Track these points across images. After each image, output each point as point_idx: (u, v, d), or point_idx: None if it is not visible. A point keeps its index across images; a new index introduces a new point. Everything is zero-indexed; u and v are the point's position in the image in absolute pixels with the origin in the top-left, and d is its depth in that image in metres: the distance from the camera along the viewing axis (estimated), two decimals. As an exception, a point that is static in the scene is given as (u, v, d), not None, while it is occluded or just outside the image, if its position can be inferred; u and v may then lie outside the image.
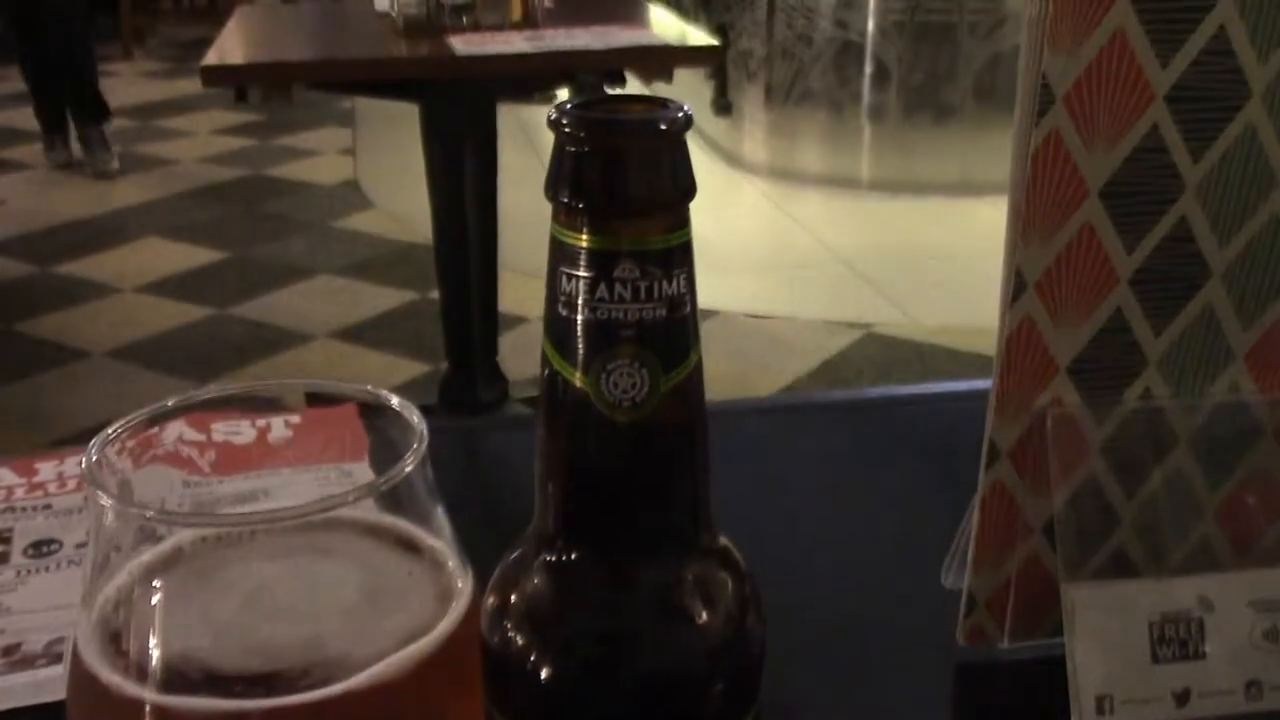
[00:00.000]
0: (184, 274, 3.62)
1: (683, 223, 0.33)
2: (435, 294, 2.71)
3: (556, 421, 0.34)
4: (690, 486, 0.34)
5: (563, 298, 0.33)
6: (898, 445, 0.84)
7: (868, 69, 4.60)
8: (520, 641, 0.34)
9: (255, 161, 4.75)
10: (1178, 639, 0.56)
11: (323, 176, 4.57)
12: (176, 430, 0.81)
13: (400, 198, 3.95)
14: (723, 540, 0.36)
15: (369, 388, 0.43)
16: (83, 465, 0.37)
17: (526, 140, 3.46)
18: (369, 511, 0.40)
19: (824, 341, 3.08)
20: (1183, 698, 0.55)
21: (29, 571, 0.67)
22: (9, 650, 0.61)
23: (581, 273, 0.32)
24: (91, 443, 0.38)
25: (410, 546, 0.40)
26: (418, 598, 0.39)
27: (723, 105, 4.85)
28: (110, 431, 0.39)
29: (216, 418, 0.82)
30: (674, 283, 0.33)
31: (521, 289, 2.76)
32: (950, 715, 0.61)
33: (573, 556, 0.35)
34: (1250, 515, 0.59)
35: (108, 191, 4.31)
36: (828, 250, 3.80)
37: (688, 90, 4.03)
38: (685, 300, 0.33)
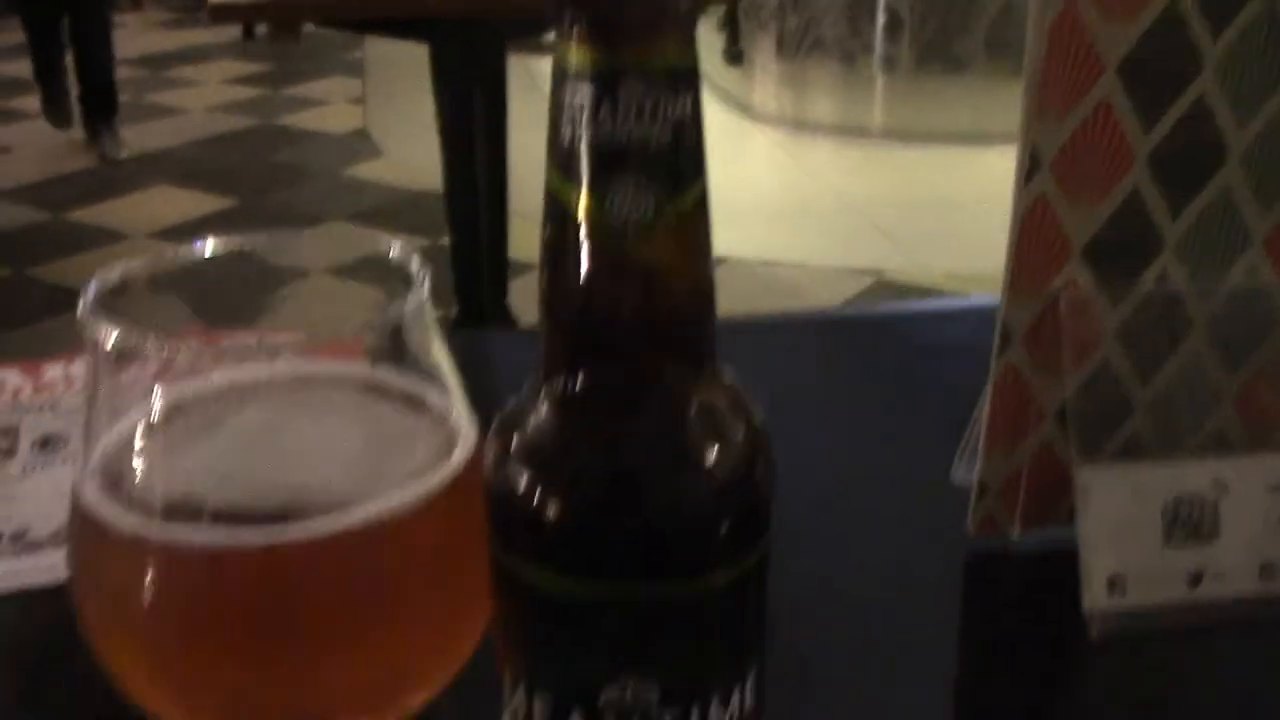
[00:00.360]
0: (194, 221, 3.61)
1: (688, 43, 0.32)
2: (445, 241, 2.70)
3: (559, 249, 0.33)
4: (695, 315, 0.34)
5: (566, 119, 0.32)
6: (908, 356, 0.84)
7: (880, 19, 4.56)
8: (523, 476, 0.34)
9: (265, 111, 4.73)
10: (1191, 521, 0.55)
11: (332, 125, 4.55)
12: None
13: (410, 146, 3.93)
14: (729, 379, 0.36)
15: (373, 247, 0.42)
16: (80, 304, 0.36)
17: (536, 90, 3.44)
18: (372, 368, 0.39)
19: (835, 288, 3.07)
20: (1195, 579, 0.55)
21: (35, 467, 0.67)
22: (16, 536, 0.61)
23: (585, 91, 0.31)
24: (90, 282, 0.37)
25: (414, 400, 0.40)
26: (422, 445, 0.39)
27: (734, 54, 4.82)
28: (111, 274, 0.38)
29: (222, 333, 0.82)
30: (680, 105, 0.32)
31: (531, 235, 2.72)
32: (961, 607, 0.60)
33: (577, 390, 0.34)
34: (1268, 402, 0.59)
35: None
36: (839, 198, 3.78)
37: (699, 40, 3.99)
38: (694, 124, 0.32)
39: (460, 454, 0.38)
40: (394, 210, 3.66)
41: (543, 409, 0.34)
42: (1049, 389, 0.57)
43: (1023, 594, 0.60)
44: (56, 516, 0.62)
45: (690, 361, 0.35)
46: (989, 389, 0.57)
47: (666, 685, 0.34)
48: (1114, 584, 0.54)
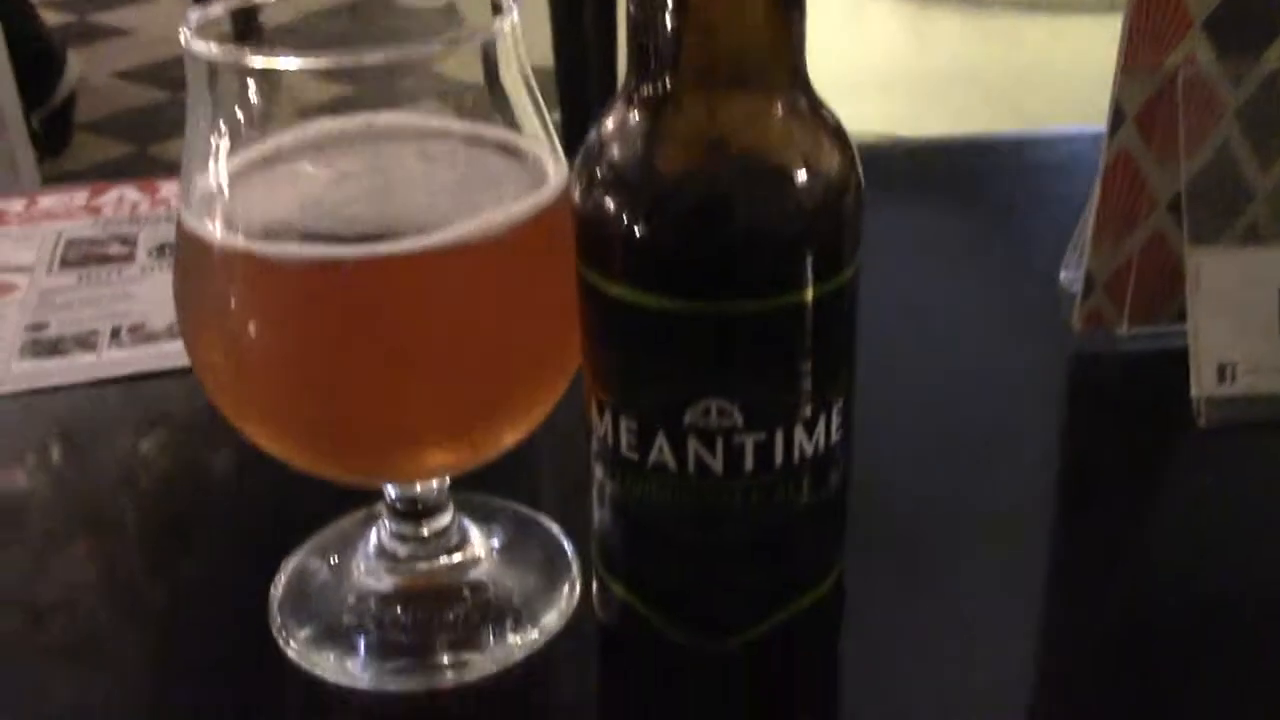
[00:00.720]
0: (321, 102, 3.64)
1: None
2: (557, 115, 2.69)
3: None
4: (783, 22, 0.33)
5: None
6: (1018, 175, 0.81)
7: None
8: (612, 190, 0.34)
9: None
10: (1308, 308, 0.53)
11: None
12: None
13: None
14: (820, 101, 0.35)
15: None
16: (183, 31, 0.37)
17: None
18: (461, 115, 0.39)
19: (952, 160, 3.00)
20: (1310, 366, 0.53)
21: (152, 269, 0.69)
22: (135, 328, 0.63)
23: None
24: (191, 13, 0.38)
25: (506, 142, 0.40)
26: (514, 180, 0.39)
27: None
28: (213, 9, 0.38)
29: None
30: None
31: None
32: (1065, 406, 0.59)
33: (663, 105, 0.33)
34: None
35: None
36: (958, 69, 3.67)
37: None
38: None
39: (550, 186, 0.38)
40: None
41: (630, 127, 0.34)
42: (1163, 175, 0.55)
43: (1129, 390, 0.59)
44: (171, 312, 0.64)
45: (779, 79, 0.34)
46: (1099, 176, 0.56)
47: (749, 408, 0.34)
48: (1224, 371, 0.53)
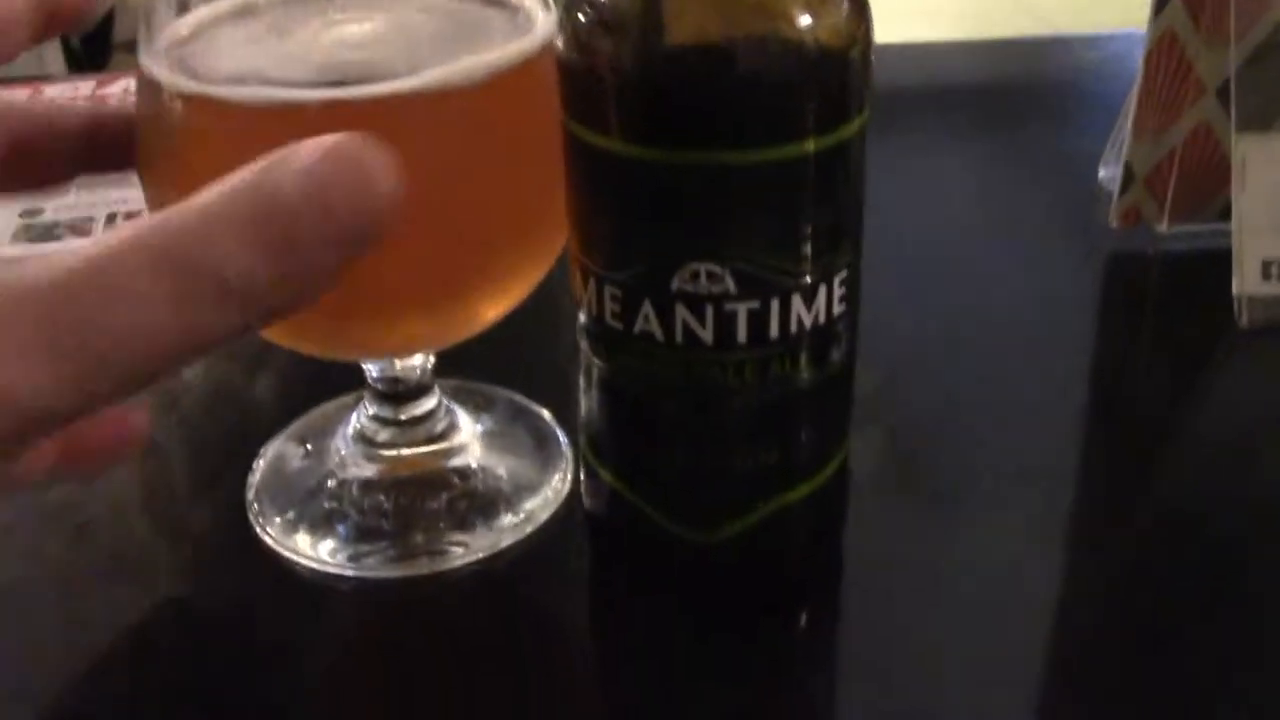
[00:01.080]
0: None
1: None
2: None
3: None
4: None
5: None
6: (1057, 75, 0.78)
7: None
8: (600, 37, 0.31)
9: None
10: (1364, 201, 0.49)
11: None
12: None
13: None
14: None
15: None
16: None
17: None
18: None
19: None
20: (1363, 264, 0.49)
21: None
22: (132, 215, 0.61)
23: None
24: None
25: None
26: (497, 30, 0.36)
27: None
28: None
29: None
30: None
31: None
32: (1102, 307, 0.56)
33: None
34: None
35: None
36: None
37: None
38: None
39: (538, 34, 0.35)
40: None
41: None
42: (1211, 58, 0.52)
43: (1169, 290, 0.55)
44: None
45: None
46: (1142, 60, 0.52)
47: (742, 272, 0.32)
48: (1269, 268, 0.50)
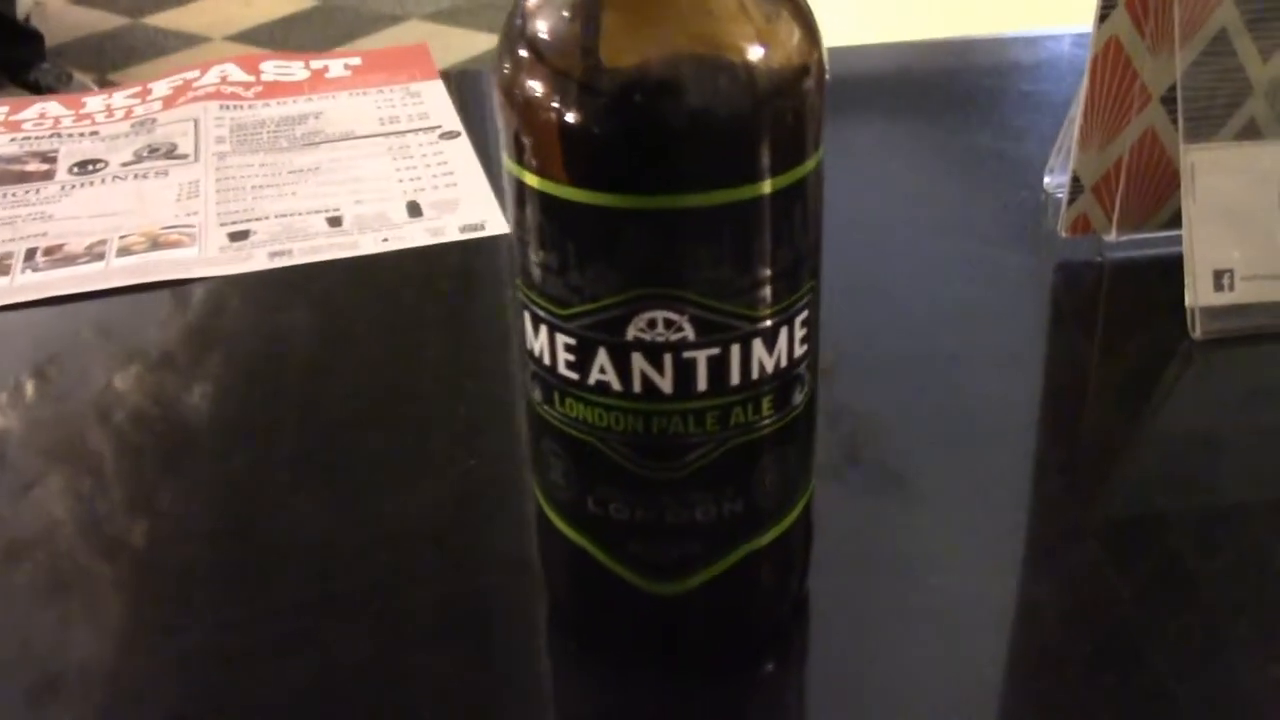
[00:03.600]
0: (273, 23, 3.56)
1: None
2: None
3: None
4: None
5: None
6: (1001, 76, 0.77)
7: None
8: (541, 81, 0.29)
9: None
10: (1312, 207, 0.49)
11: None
12: (219, 72, 0.77)
13: (488, -58, 3.81)
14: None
15: None
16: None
17: None
18: None
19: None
20: (1314, 271, 0.49)
21: (74, 186, 0.64)
22: (51, 250, 0.58)
23: None
24: None
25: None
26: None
27: None
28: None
29: (268, 57, 0.78)
30: None
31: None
32: (1051, 318, 0.55)
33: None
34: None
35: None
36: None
37: None
38: None
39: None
40: (474, 8, 3.56)
41: (554, 4, 0.30)
42: (1156, 66, 0.51)
43: (1119, 300, 0.55)
44: (92, 233, 0.60)
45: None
46: (1087, 68, 0.51)
47: (700, 319, 0.30)
48: (1221, 278, 0.49)
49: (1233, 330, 0.49)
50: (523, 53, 0.30)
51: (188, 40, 3.43)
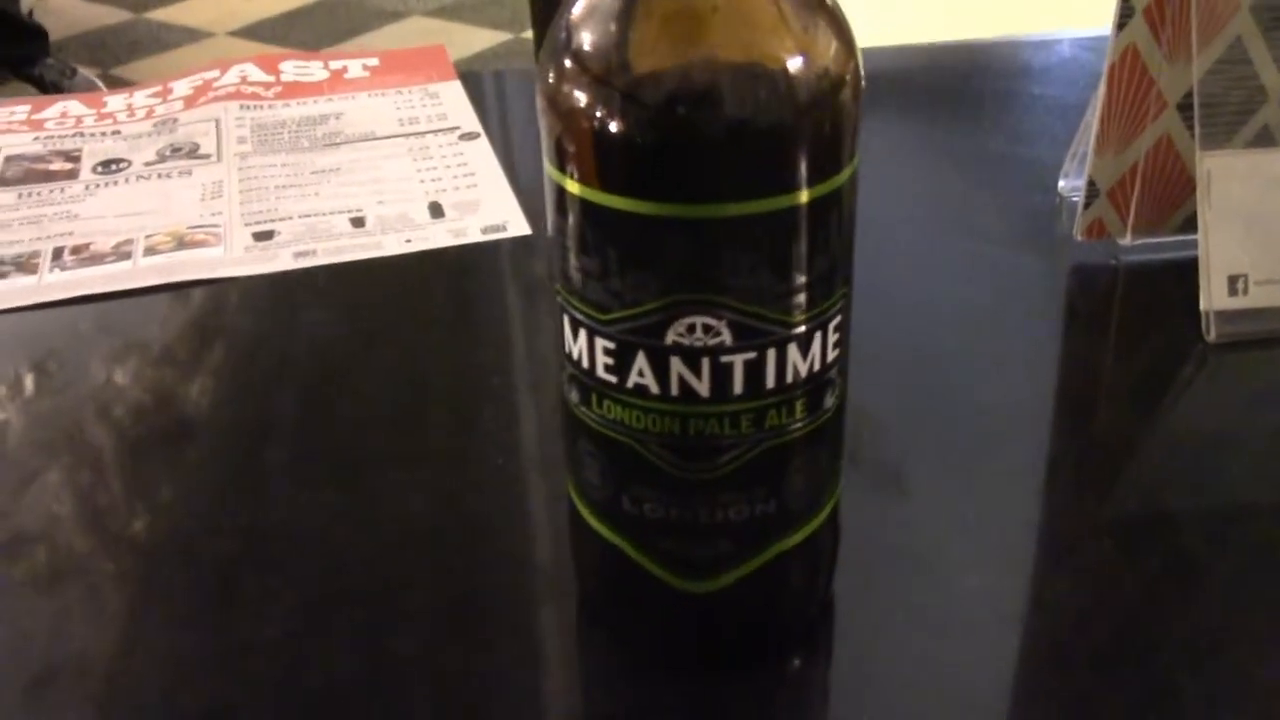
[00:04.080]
0: (276, 18, 3.56)
1: None
2: (528, 34, 2.63)
3: None
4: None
5: None
6: (1018, 79, 0.78)
7: None
8: (584, 91, 0.30)
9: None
10: (1326, 213, 0.50)
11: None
12: (239, 72, 0.78)
13: (491, -62, 3.81)
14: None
15: None
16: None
17: None
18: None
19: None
20: (1327, 277, 0.50)
21: (98, 185, 0.65)
22: (78, 249, 0.59)
23: None
24: None
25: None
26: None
27: None
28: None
29: (286, 57, 0.79)
30: None
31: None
32: (1066, 322, 0.56)
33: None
34: None
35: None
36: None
37: None
38: None
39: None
40: (477, 4, 3.57)
41: (602, 9, 0.30)
42: (1172, 73, 0.52)
43: (1134, 304, 0.56)
44: (118, 231, 0.60)
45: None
46: (1104, 74, 0.52)
47: (738, 324, 0.31)
48: (1235, 282, 0.50)
49: (1246, 334, 0.50)
50: (567, 63, 0.31)
51: (190, 35, 3.43)
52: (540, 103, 0.32)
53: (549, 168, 0.32)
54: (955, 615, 0.39)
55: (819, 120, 0.30)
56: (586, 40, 0.31)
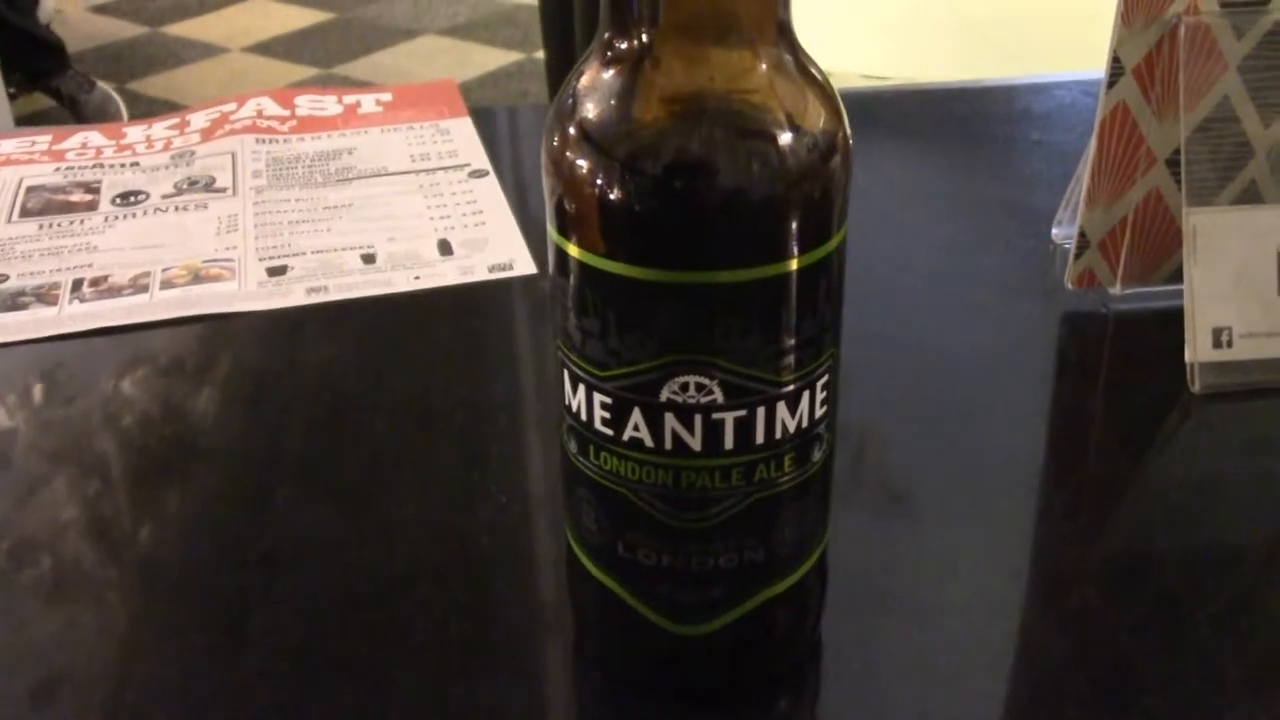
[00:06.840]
0: (290, 35, 3.59)
1: None
2: (540, 54, 2.65)
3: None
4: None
5: None
6: (1011, 124, 0.79)
7: None
8: (584, 143, 0.32)
9: (360, -76, 4.64)
10: (1309, 271, 0.51)
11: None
12: (255, 106, 0.80)
13: (505, -42, 3.84)
14: (811, 64, 0.33)
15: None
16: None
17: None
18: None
19: (941, 102, 2.96)
20: (1309, 331, 0.51)
21: (117, 218, 0.67)
22: (97, 281, 0.61)
23: None
24: None
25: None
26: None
27: None
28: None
29: (301, 92, 0.81)
30: None
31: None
32: (1056, 368, 0.58)
33: (642, 51, 0.31)
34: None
35: (215, -45, 4.26)
36: (951, 11, 3.62)
37: None
38: None
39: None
40: (489, 23, 3.59)
41: (603, 83, 0.32)
42: (1161, 129, 0.53)
43: (1122, 352, 0.57)
44: (136, 264, 0.62)
45: (764, 33, 0.32)
46: (1095, 130, 0.54)
47: (729, 383, 0.33)
48: (1219, 335, 0.51)
49: (1230, 385, 0.52)
50: (571, 131, 0.32)
51: (206, 50, 3.46)
52: (545, 162, 0.33)
53: (551, 230, 0.34)
54: (942, 658, 0.40)
55: (809, 192, 0.32)
56: (590, 110, 0.32)
